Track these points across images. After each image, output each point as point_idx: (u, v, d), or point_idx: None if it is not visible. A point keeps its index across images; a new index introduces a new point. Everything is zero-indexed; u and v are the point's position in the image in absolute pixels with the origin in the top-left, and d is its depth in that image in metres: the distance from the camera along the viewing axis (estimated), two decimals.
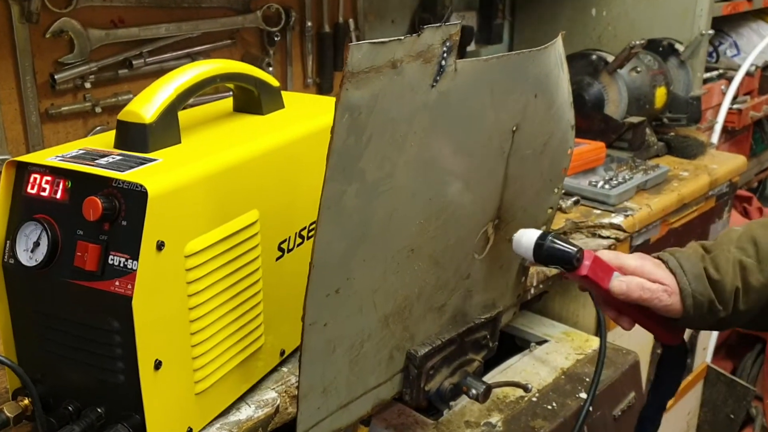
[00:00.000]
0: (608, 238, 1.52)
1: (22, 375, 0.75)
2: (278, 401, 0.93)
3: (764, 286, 0.91)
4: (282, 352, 0.99)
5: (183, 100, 0.83)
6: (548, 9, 2.28)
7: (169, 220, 0.73)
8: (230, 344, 0.86)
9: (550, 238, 0.89)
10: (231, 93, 1.01)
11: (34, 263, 0.74)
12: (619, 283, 0.90)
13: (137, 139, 0.79)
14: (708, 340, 2.26)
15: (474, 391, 1.02)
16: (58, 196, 0.75)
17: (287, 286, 0.95)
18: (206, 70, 0.86)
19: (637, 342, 1.53)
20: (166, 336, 0.76)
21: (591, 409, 1.20)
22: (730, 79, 2.45)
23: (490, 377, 1.28)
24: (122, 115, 0.80)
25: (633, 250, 1.61)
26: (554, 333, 1.46)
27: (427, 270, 0.91)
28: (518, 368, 1.33)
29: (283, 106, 1.01)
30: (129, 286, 0.71)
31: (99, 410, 0.77)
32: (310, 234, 0.97)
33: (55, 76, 1.30)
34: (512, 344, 1.46)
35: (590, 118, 1.85)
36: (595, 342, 1.42)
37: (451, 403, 1.16)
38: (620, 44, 1.98)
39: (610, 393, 1.30)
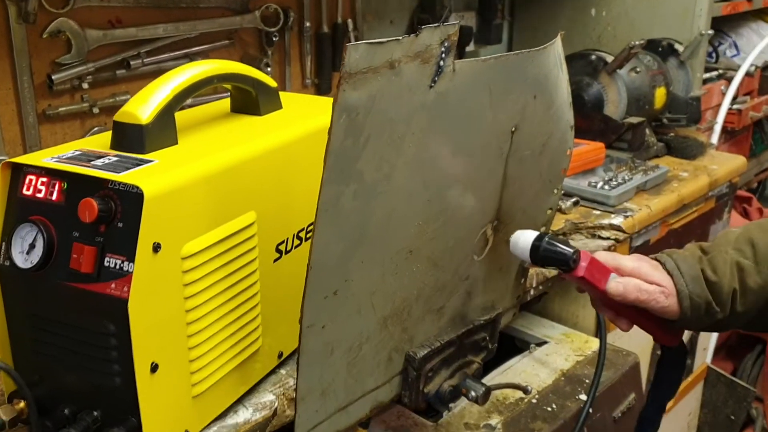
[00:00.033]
0: (608, 239, 1.51)
1: (17, 378, 0.74)
2: (276, 404, 0.93)
3: (761, 287, 0.91)
4: (280, 354, 0.98)
5: (180, 101, 0.82)
6: (548, 9, 2.28)
7: (165, 221, 0.73)
8: (228, 347, 0.85)
9: (546, 239, 0.89)
10: (229, 93, 1.01)
11: (30, 265, 0.74)
12: (616, 285, 0.90)
13: (133, 140, 0.79)
14: (708, 341, 2.26)
15: (473, 393, 1.01)
16: (54, 197, 0.74)
17: (285, 287, 0.94)
18: (203, 71, 0.86)
19: (637, 343, 1.53)
20: (163, 339, 0.75)
21: (591, 410, 1.19)
22: (729, 80, 2.44)
23: (490, 379, 1.28)
24: (118, 116, 0.80)
25: (633, 251, 1.61)
26: (554, 334, 1.46)
27: (426, 272, 0.91)
28: (518, 369, 1.33)
29: (280, 107, 1.01)
30: (125, 289, 0.70)
31: (95, 413, 0.76)
32: (308, 235, 0.97)
33: (53, 77, 1.29)
34: (512, 345, 1.46)
35: (590, 119, 1.85)
36: (594, 343, 1.42)
37: (451, 405, 1.16)
38: (620, 44, 1.98)
39: (610, 394, 1.30)
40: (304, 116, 0.99)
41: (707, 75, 2.33)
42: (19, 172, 0.77)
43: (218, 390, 0.86)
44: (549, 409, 1.22)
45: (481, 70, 0.84)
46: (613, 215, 1.57)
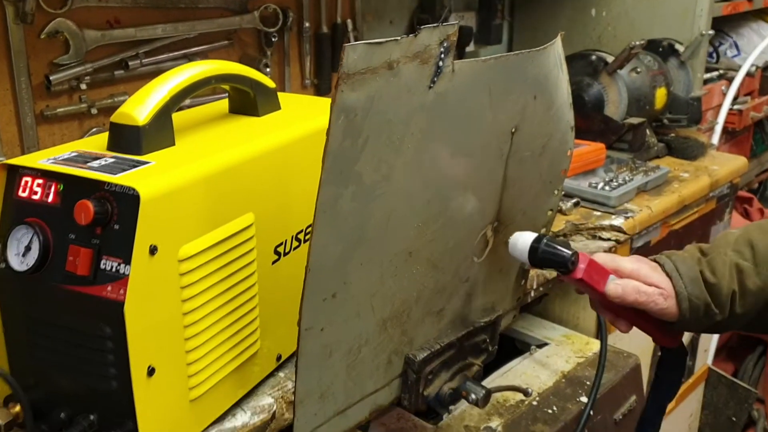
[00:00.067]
0: (608, 240, 1.51)
1: (12, 383, 0.73)
2: (275, 407, 0.92)
3: (761, 289, 0.90)
4: (278, 357, 0.98)
5: (177, 101, 0.82)
6: (548, 9, 2.27)
7: (162, 223, 0.72)
8: (225, 349, 0.85)
9: (545, 241, 0.89)
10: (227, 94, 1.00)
11: (26, 268, 0.73)
12: (614, 287, 0.90)
13: (130, 142, 0.78)
14: (709, 342, 2.25)
15: (473, 396, 1.01)
16: (50, 199, 0.74)
17: (284, 289, 0.94)
18: (201, 72, 0.85)
19: (638, 345, 1.52)
20: (160, 342, 0.75)
21: (592, 413, 1.19)
22: (730, 80, 2.44)
23: (490, 381, 1.27)
24: (115, 117, 0.79)
25: (633, 252, 1.60)
26: (555, 336, 1.45)
27: (426, 273, 0.90)
28: (518, 371, 1.33)
29: (279, 108, 1.00)
30: (121, 291, 0.70)
31: (91, 417, 0.76)
32: (306, 237, 0.96)
33: (51, 78, 1.28)
34: (512, 347, 1.45)
35: (590, 119, 1.84)
36: (595, 345, 1.41)
37: (451, 407, 1.15)
38: (620, 45, 1.97)
39: (611, 397, 1.29)
40: (303, 117, 0.99)
41: (708, 75, 2.32)
42: (14, 173, 0.76)
43: (216, 393, 0.85)
44: (550, 411, 1.21)
45: (481, 70, 0.83)
46: (613, 216, 1.57)
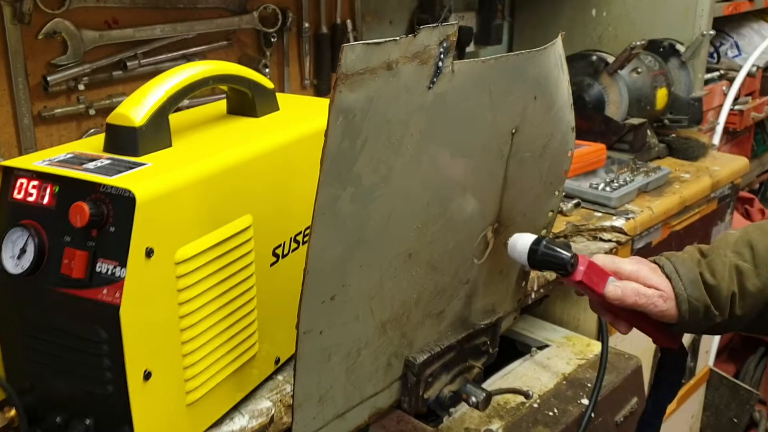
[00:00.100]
0: (609, 241, 1.50)
1: (6, 387, 0.73)
2: (273, 410, 0.92)
3: (760, 291, 0.90)
4: (277, 360, 0.97)
5: (174, 102, 0.81)
6: (548, 9, 2.27)
7: (158, 226, 0.72)
8: (223, 353, 0.84)
9: (544, 243, 0.89)
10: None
11: (21, 270, 0.72)
12: (614, 289, 0.90)
13: (127, 143, 0.78)
14: (710, 344, 2.25)
15: (474, 399, 1.00)
16: (45, 201, 0.73)
17: (282, 292, 0.93)
18: (198, 72, 0.85)
19: (639, 346, 1.51)
20: (156, 345, 0.74)
21: (593, 415, 1.18)
22: (731, 80, 2.43)
23: (491, 383, 1.27)
24: (111, 118, 0.79)
25: (634, 253, 1.60)
26: (555, 337, 1.45)
27: (426, 275, 0.89)
28: (519, 373, 1.32)
29: (277, 108, 1.00)
30: (117, 295, 0.69)
31: (87, 421, 0.75)
32: (305, 239, 0.96)
33: (48, 78, 1.28)
34: (513, 349, 1.45)
35: (591, 120, 1.84)
36: (596, 346, 1.41)
37: (451, 409, 1.15)
38: (621, 45, 1.97)
39: (612, 399, 1.29)
40: (302, 118, 0.98)
41: (708, 75, 2.32)
42: (10, 175, 0.76)
43: (213, 397, 0.85)
44: (550, 413, 1.21)
45: (481, 70, 0.83)
46: (614, 217, 1.56)
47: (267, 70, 1.61)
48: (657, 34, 2.06)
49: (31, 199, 0.74)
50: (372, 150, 0.73)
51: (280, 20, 1.61)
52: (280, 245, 0.92)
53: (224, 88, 0.96)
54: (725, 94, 2.40)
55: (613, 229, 1.52)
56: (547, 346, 1.42)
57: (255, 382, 0.94)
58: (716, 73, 2.42)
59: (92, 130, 1.36)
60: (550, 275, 1.32)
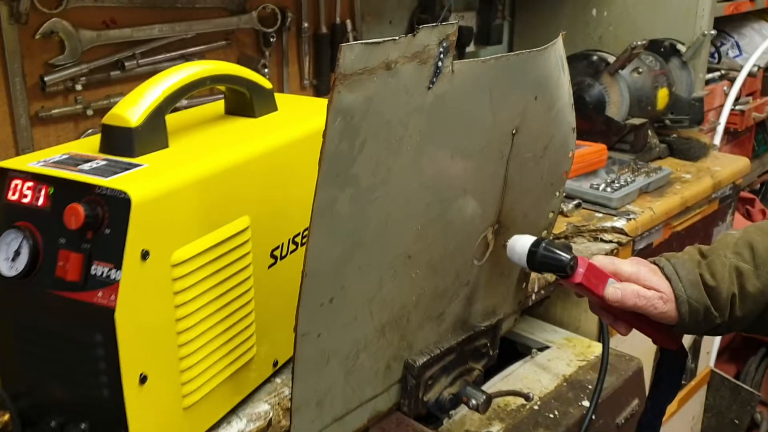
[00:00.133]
0: (610, 242, 1.49)
1: (0, 391, 0.72)
2: (271, 414, 0.91)
3: (761, 292, 0.89)
4: (275, 363, 0.96)
5: (171, 103, 0.80)
6: (548, 9, 2.26)
7: (154, 228, 0.71)
8: (220, 356, 0.83)
9: (543, 245, 0.88)
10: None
11: (15, 273, 0.72)
12: (613, 291, 0.89)
13: (122, 144, 0.77)
14: (711, 345, 2.24)
15: (474, 402, 1.00)
16: (40, 202, 0.72)
17: (281, 294, 0.92)
18: (195, 72, 0.84)
19: (640, 348, 1.51)
20: (152, 349, 0.73)
21: (594, 417, 1.17)
22: (732, 80, 2.42)
23: (491, 384, 1.26)
24: (107, 119, 0.78)
25: (635, 254, 1.59)
26: (556, 339, 1.44)
27: (425, 277, 0.89)
28: (519, 375, 1.31)
29: (276, 109, 0.99)
30: (112, 297, 0.68)
31: (83, 426, 0.74)
32: (304, 240, 0.95)
33: (45, 78, 1.27)
34: (513, 350, 1.44)
35: (591, 120, 1.83)
36: (597, 348, 1.40)
37: (451, 411, 1.14)
38: (621, 45, 1.96)
39: (613, 400, 1.28)
40: (300, 118, 0.97)
41: (709, 76, 2.31)
42: (4, 176, 0.75)
43: (211, 400, 0.84)
44: (551, 415, 1.20)
45: (481, 71, 0.82)
46: (615, 218, 1.55)
47: (266, 70, 1.61)
48: (658, 33, 2.05)
49: (25, 200, 0.73)
50: (371, 151, 0.72)
51: (279, 20, 1.60)
52: (278, 247, 0.91)
53: (222, 88, 0.96)
54: (726, 94, 2.40)
55: (614, 229, 1.52)
56: (547, 347, 1.41)
57: (253, 385, 0.93)
58: (717, 73, 2.42)
59: (90, 131, 1.35)
60: (551, 276, 1.32)
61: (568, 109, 1.00)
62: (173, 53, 1.45)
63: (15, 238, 0.72)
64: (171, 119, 0.83)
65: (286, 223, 0.92)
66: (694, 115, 2.02)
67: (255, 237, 0.86)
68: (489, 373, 1.24)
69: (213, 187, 0.79)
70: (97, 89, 1.35)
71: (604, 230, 1.52)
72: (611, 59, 1.86)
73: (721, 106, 2.39)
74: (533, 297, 1.31)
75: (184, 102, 1.39)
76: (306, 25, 1.67)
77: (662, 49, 2.01)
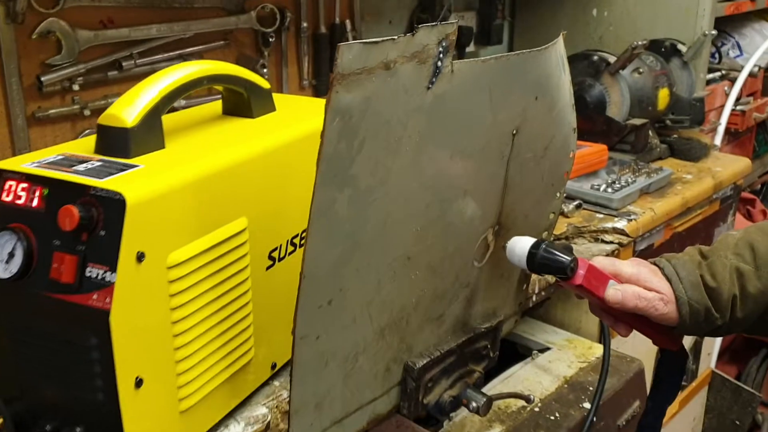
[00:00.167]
0: (611, 243, 1.49)
1: None
2: (269, 417, 0.90)
3: (761, 293, 0.89)
4: (273, 366, 0.95)
5: (167, 103, 0.80)
6: (549, 9, 2.25)
7: (149, 229, 0.70)
8: (217, 358, 0.83)
9: (543, 246, 0.88)
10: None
11: (9, 275, 0.71)
12: (614, 292, 0.89)
13: (118, 144, 0.76)
14: (712, 346, 2.24)
15: (474, 404, 0.99)
16: (34, 204, 0.71)
17: (279, 296, 0.92)
18: (192, 72, 0.83)
19: (641, 349, 1.50)
20: (148, 352, 0.73)
21: (595, 419, 1.17)
22: (732, 80, 2.42)
23: (492, 386, 1.26)
24: (103, 119, 0.77)
25: (637, 255, 1.58)
26: (557, 340, 1.43)
27: (425, 279, 0.88)
28: (520, 377, 1.31)
29: (274, 109, 0.98)
30: (107, 300, 0.67)
31: (77, 430, 0.73)
32: (302, 242, 0.94)
33: (42, 78, 1.26)
34: (514, 351, 1.44)
35: (592, 120, 1.82)
36: (598, 349, 1.40)
37: (451, 414, 1.13)
38: (622, 45, 1.96)
39: (614, 402, 1.28)
40: (298, 118, 0.97)
41: (710, 76, 2.30)
42: None
43: (208, 404, 0.83)
44: (552, 417, 1.19)
45: (481, 70, 0.81)
46: (616, 219, 1.55)
47: (265, 70, 1.60)
48: (658, 34, 2.04)
49: (20, 201, 0.72)
50: (369, 151, 0.71)
51: (278, 20, 1.59)
52: (276, 248, 0.91)
53: (219, 88, 0.95)
54: (727, 95, 2.39)
55: (615, 230, 1.51)
56: (548, 348, 1.40)
57: (250, 388, 0.92)
58: (718, 74, 2.41)
59: (87, 131, 1.34)
60: (551, 278, 1.31)
61: (568, 109, 0.99)
62: (171, 53, 1.44)
63: (9, 240, 0.71)
64: (168, 120, 0.83)
65: (284, 225, 0.92)
66: (694, 115, 2.02)
67: (253, 238, 0.85)
68: (489, 375, 1.23)
69: (210, 188, 0.78)
70: (94, 89, 1.35)
71: (605, 231, 1.51)
72: (612, 59, 1.85)
73: (722, 106, 2.39)
74: (534, 298, 1.30)
75: (182, 102, 1.38)
76: (305, 25, 1.66)
77: (663, 49, 2.00)
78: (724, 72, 2.44)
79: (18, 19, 1.20)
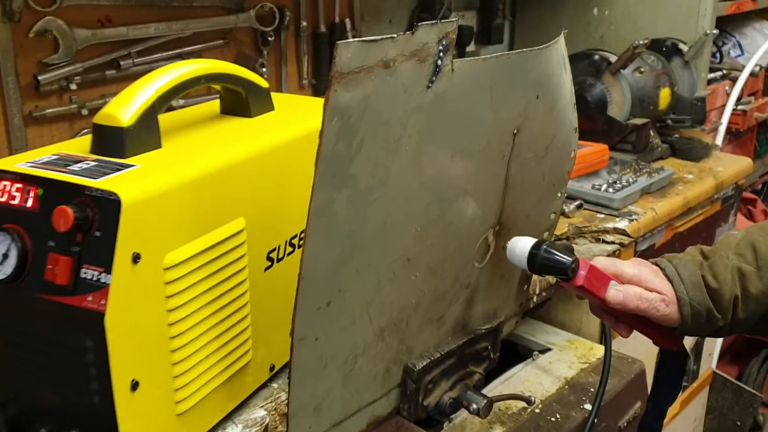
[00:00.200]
0: (612, 243, 1.48)
1: None
2: (267, 420, 0.89)
3: (763, 294, 0.89)
4: (272, 367, 0.95)
5: (164, 102, 0.79)
6: (549, 8, 2.25)
7: (145, 230, 0.69)
8: (215, 361, 0.82)
9: (544, 247, 0.87)
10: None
11: (3, 276, 0.70)
12: (615, 293, 0.88)
13: (114, 144, 0.75)
14: (713, 346, 2.23)
15: (474, 406, 0.98)
16: (29, 204, 0.70)
17: (277, 297, 0.91)
18: (189, 71, 0.82)
19: (642, 350, 1.49)
20: (144, 354, 0.72)
21: (596, 420, 1.16)
22: (733, 80, 2.41)
23: (492, 387, 1.25)
24: (98, 118, 0.76)
25: (638, 255, 1.58)
26: (557, 341, 1.43)
27: (425, 280, 0.87)
28: (521, 378, 1.30)
29: (272, 108, 0.97)
30: (102, 302, 0.66)
31: None
32: (301, 242, 0.93)
33: (39, 77, 1.25)
34: (514, 352, 1.43)
35: (593, 120, 1.82)
36: (599, 350, 1.39)
37: (452, 416, 1.13)
38: (623, 44, 1.95)
39: (615, 403, 1.27)
40: (297, 118, 0.96)
41: (711, 75, 2.30)
42: None
43: (205, 407, 0.82)
44: (553, 419, 1.19)
45: (481, 69, 0.81)
46: (617, 219, 1.54)
47: (264, 69, 1.59)
48: (659, 33, 2.04)
49: (14, 202, 0.71)
50: (369, 151, 0.71)
51: (277, 19, 1.58)
52: (274, 249, 0.90)
53: (217, 87, 0.94)
54: (728, 94, 2.39)
55: (616, 230, 1.50)
56: (549, 349, 1.40)
57: (249, 390, 0.91)
58: (719, 73, 2.41)
59: (85, 131, 1.33)
60: (552, 278, 1.30)
61: (570, 108, 0.99)
62: (170, 52, 1.43)
63: (3, 241, 0.70)
64: (164, 119, 0.82)
65: (282, 225, 0.91)
66: (696, 114, 2.01)
67: (251, 239, 0.84)
68: (490, 376, 1.22)
69: (207, 188, 0.77)
70: (92, 89, 1.34)
71: (606, 231, 1.50)
72: (613, 59, 1.85)
73: (723, 106, 2.38)
74: (534, 299, 1.29)
75: (181, 102, 1.38)
76: (305, 24, 1.65)
77: (664, 49, 2.00)
78: (725, 71, 2.43)
79: (15, 17, 1.19)
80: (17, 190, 0.71)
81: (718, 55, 2.54)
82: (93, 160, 0.74)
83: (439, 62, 0.74)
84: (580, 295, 0.94)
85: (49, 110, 1.28)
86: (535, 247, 0.87)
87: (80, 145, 0.79)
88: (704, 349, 2.11)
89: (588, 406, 1.21)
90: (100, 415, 0.71)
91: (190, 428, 0.81)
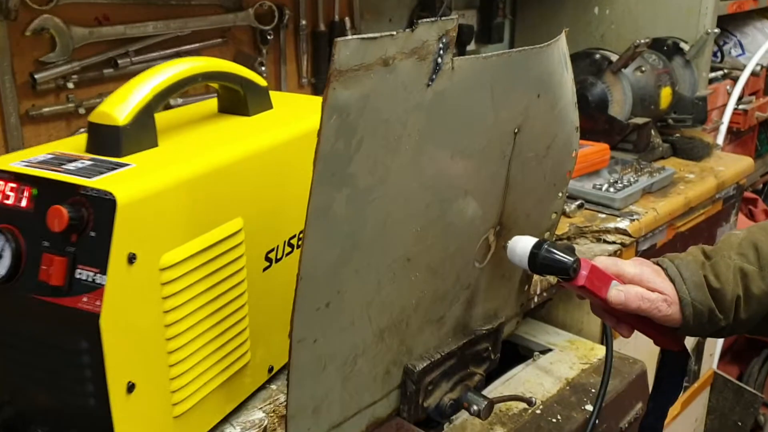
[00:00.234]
0: (613, 243, 1.47)
1: None
2: (266, 422, 0.89)
3: (765, 294, 0.88)
4: (270, 369, 0.94)
5: (160, 100, 0.78)
6: (550, 7, 2.24)
7: (141, 230, 0.68)
8: (213, 362, 0.81)
9: (545, 246, 0.86)
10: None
11: None
12: (617, 293, 0.88)
13: (109, 143, 0.74)
14: (714, 347, 2.23)
15: (475, 408, 0.98)
16: (23, 204, 0.70)
17: (276, 297, 0.90)
18: (186, 69, 0.81)
19: (643, 350, 1.49)
20: (140, 356, 0.71)
21: (597, 421, 1.15)
22: (735, 79, 2.41)
23: (493, 388, 1.24)
24: (94, 117, 0.75)
25: (639, 255, 1.57)
26: (558, 341, 1.42)
27: (425, 280, 0.87)
28: (521, 379, 1.29)
29: (271, 107, 0.97)
30: (97, 303, 0.66)
31: None
32: (299, 242, 0.92)
33: (36, 76, 1.25)
34: (515, 353, 1.42)
35: (594, 119, 1.81)
36: (600, 351, 1.38)
37: (452, 417, 1.12)
38: (624, 43, 1.94)
39: (616, 404, 1.26)
40: (296, 117, 0.95)
41: (712, 75, 2.29)
42: None
43: (202, 409, 0.82)
44: (554, 420, 1.18)
45: (482, 68, 0.80)
46: (618, 219, 1.53)
47: (263, 68, 1.59)
48: (660, 32, 2.03)
49: (8, 201, 0.70)
50: (368, 150, 0.70)
51: (276, 17, 1.58)
52: (273, 249, 0.89)
53: (215, 85, 0.93)
54: (729, 94, 2.38)
55: (617, 230, 1.50)
56: (549, 350, 1.39)
57: (247, 392, 0.91)
58: (720, 72, 2.40)
59: (82, 130, 1.32)
60: (553, 278, 1.30)
61: (571, 107, 0.98)
62: (168, 51, 1.42)
63: None
64: (161, 117, 0.81)
65: (281, 225, 0.90)
66: (697, 114, 2.01)
67: (249, 239, 0.83)
68: (490, 377, 1.22)
69: (204, 187, 0.76)
70: (89, 87, 1.33)
71: (607, 231, 1.50)
72: (614, 58, 1.84)
73: (724, 105, 2.38)
74: (535, 299, 1.29)
75: (179, 101, 1.37)
76: (304, 22, 1.65)
77: (665, 48, 1.99)
78: (726, 71, 2.43)
79: (11, 15, 1.18)
80: (11, 189, 0.70)
81: (719, 54, 2.54)
82: (88, 160, 0.73)
83: (440, 60, 0.73)
84: (581, 295, 0.93)
85: (46, 109, 1.27)
86: (536, 247, 0.87)
87: (75, 144, 0.78)
88: (705, 350, 2.10)
89: (589, 407, 1.21)
90: (95, 418, 0.70)
91: (188, 431, 0.80)
